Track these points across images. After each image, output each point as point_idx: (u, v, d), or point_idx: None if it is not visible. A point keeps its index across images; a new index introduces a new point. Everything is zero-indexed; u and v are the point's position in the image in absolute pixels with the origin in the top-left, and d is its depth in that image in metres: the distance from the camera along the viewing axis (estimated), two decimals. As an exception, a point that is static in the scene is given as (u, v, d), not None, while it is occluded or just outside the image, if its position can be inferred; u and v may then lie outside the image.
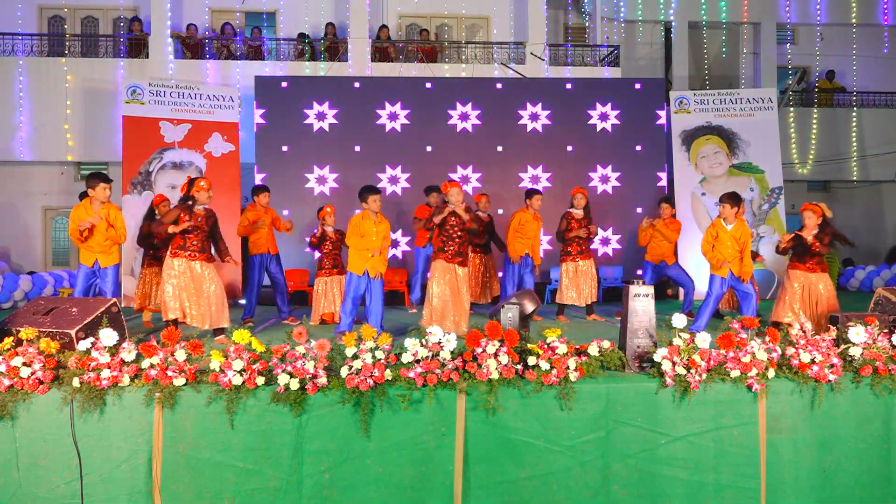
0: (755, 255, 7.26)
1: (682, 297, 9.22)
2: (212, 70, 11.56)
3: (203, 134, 9.71)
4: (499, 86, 10.48)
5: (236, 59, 11.82)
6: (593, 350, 4.02)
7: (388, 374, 3.79)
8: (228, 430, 3.76)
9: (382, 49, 12.03)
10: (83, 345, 3.85)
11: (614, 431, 3.91)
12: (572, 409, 3.86)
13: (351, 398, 3.77)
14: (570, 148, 10.38)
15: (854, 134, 13.27)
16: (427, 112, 10.23)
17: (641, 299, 4.18)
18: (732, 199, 6.13)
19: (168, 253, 5.64)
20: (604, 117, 10.41)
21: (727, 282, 6.13)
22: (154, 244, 6.82)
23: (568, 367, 3.84)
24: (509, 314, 4.25)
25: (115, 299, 4.60)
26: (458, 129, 10.22)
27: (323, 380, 3.74)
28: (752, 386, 3.90)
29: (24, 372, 3.73)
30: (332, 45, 12.02)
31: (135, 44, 11.76)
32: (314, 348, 3.82)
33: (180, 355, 3.79)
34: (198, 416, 3.77)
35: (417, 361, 3.83)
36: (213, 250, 5.83)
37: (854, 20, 13.80)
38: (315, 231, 7.26)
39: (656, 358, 3.93)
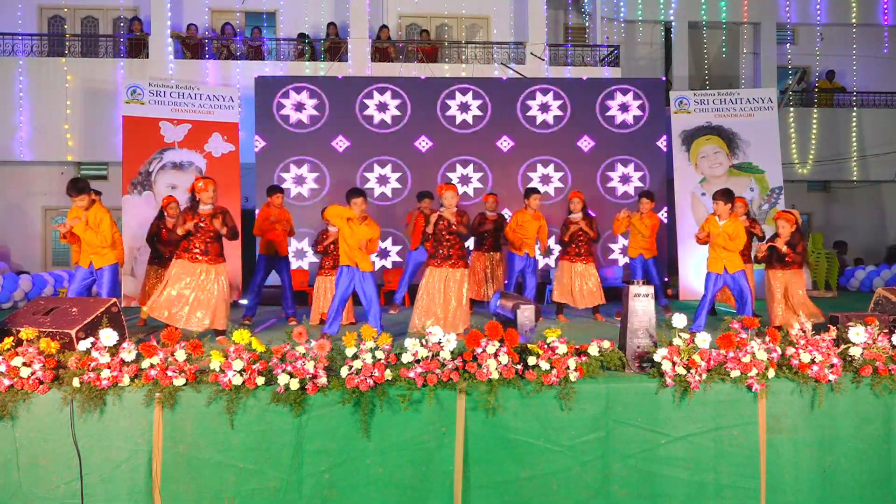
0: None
1: (682, 297, 9.20)
2: (212, 70, 11.55)
3: (203, 134, 9.71)
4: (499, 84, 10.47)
5: (236, 60, 11.81)
6: (593, 350, 4.02)
7: (388, 374, 3.79)
8: (228, 430, 3.76)
9: (382, 49, 12.03)
10: (83, 345, 3.85)
11: (614, 431, 3.91)
12: (572, 409, 3.87)
13: (351, 398, 3.77)
14: (585, 145, 10.24)
15: (854, 134, 13.26)
16: (423, 110, 10.22)
17: (641, 299, 4.19)
18: (725, 195, 6.16)
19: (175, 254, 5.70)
20: (624, 108, 10.24)
21: (722, 278, 6.17)
22: (157, 246, 6.97)
23: (568, 367, 3.85)
24: (525, 313, 4.24)
25: (115, 299, 4.59)
26: (458, 121, 10.22)
27: (323, 380, 3.74)
28: (752, 386, 3.90)
29: (24, 372, 3.73)
30: (334, 45, 12.02)
31: (135, 44, 11.76)
32: (314, 348, 3.82)
33: (180, 355, 3.79)
34: (198, 416, 3.77)
35: (417, 361, 3.83)
36: (220, 250, 5.79)
37: (854, 20, 13.80)
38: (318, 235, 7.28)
39: (656, 358, 3.94)
